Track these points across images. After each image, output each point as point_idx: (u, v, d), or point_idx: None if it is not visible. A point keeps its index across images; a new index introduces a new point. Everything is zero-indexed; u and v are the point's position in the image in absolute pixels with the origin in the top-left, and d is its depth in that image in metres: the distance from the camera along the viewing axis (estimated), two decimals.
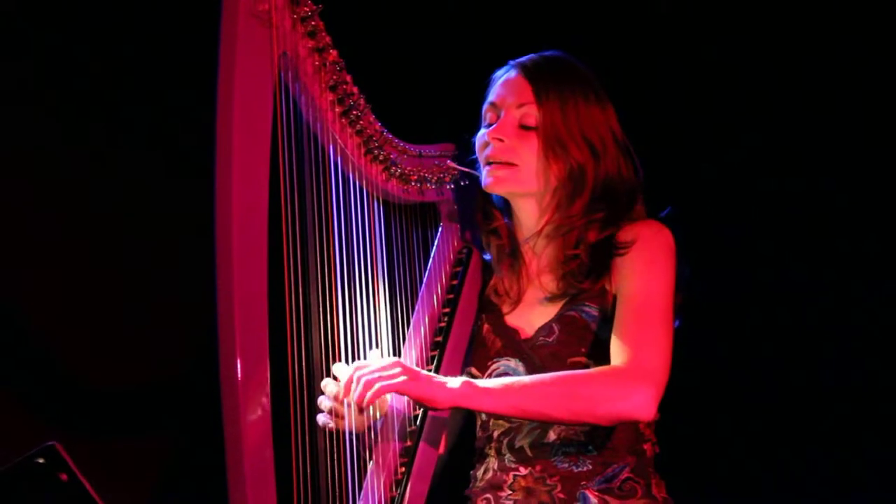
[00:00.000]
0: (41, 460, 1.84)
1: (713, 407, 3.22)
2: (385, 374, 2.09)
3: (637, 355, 2.18)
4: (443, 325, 2.39)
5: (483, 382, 2.16)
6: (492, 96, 2.40)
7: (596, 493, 2.26)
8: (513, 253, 2.42)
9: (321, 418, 2.16)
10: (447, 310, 2.40)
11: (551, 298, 2.35)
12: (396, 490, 2.18)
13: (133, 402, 3.06)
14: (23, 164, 2.92)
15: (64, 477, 1.85)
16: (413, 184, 2.40)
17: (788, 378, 3.20)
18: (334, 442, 2.11)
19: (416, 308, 2.39)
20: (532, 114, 2.33)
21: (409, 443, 2.23)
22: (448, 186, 2.49)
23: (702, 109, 3.25)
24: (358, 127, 2.21)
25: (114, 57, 3.01)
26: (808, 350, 3.19)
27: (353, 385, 2.09)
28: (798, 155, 3.20)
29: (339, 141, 2.19)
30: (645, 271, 2.27)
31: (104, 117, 3.03)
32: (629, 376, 2.16)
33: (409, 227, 2.41)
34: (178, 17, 2.99)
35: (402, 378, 2.09)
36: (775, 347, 3.22)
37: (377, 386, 2.08)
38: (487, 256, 2.50)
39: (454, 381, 2.13)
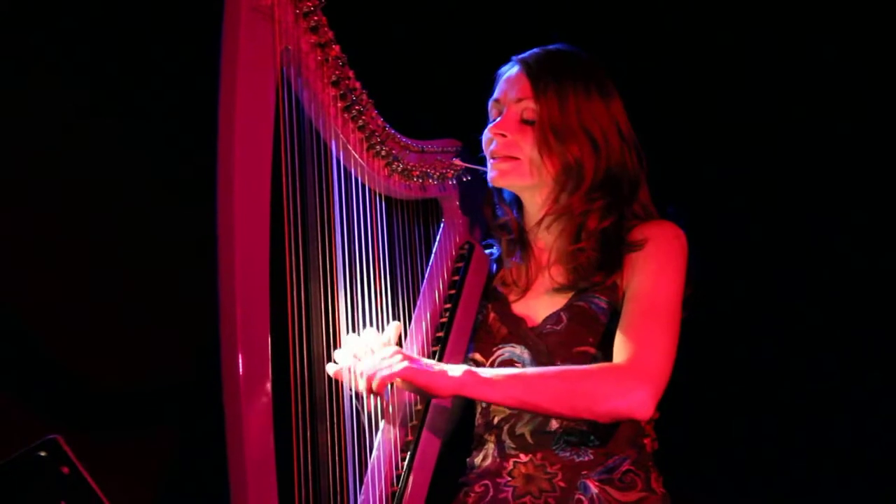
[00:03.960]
0: (43, 453, 1.84)
1: (709, 404, 3.22)
2: (384, 363, 2.13)
3: (639, 354, 2.19)
4: (444, 320, 2.39)
5: (485, 372, 2.17)
6: (496, 93, 2.43)
7: (596, 483, 2.26)
8: (522, 244, 2.44)
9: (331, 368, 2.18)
10: (449, 305, 2.41)
11: (560, 289, 2.36)
12: (398, 484, 2.18)
13: (134, 400, 3.05)
14: (23, 163, 2.92)
15: (65, 470, 1.85)
16: (415, 179, 2.41)
17: (789, 376, 3.20)
18: (336, 437, 2.12)
19: (418, 303, 2.40)
20: (531, 108, 2.35)
21: (409, 437, 2.23)
22: (450, 182, 2.50)
23: (703, 108, 3.25)
24: (360, 122, 2.21)
25: (115, 54, 3.00)
26: (808, 348, 3.19)
27: (350, 376, 2.14)
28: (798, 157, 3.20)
29: (342, 136, 2.19)
30: (657, 272, 2.28)
31: (104, 115, 3.02)
32: (629, 375, 2.17)
33: (411, 222, 2.41)
34: (180, 12, 2.99)
35: (403, 365, 2.13)
36: (775, 344, 3.21)
37: (379, 377, 2.12)
38: (490, 251, 2.51)
39: (455, 370, 2.15)
